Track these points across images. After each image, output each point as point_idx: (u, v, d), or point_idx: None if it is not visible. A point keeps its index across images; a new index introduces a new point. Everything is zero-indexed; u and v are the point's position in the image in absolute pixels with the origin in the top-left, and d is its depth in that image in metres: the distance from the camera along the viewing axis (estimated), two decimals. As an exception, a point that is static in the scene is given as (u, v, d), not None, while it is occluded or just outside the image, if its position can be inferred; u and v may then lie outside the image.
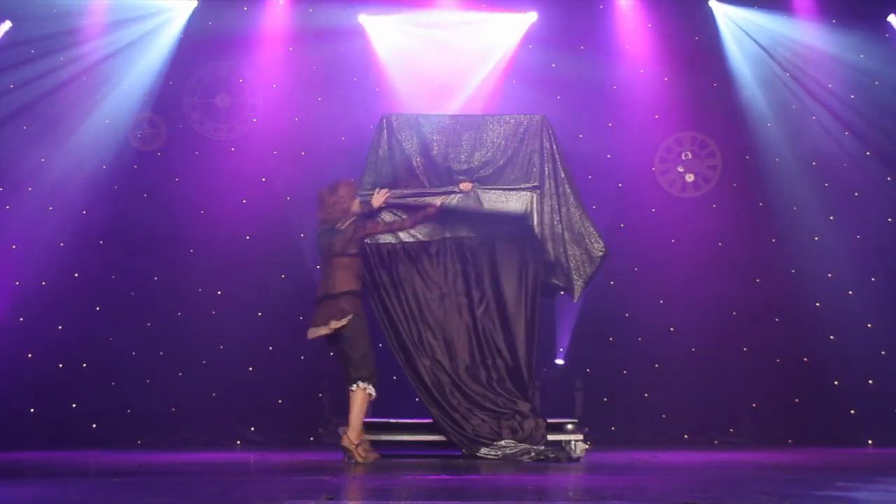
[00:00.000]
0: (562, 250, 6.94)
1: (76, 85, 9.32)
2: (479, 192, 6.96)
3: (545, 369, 8.67)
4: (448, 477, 5.43)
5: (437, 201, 6.82)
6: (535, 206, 6.91)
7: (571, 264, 6.95)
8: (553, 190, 7.01)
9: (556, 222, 6.95)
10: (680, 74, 9.52)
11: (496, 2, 9.70)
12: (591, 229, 6.99)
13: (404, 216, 6.94)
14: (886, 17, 9.32)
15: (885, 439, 8.56)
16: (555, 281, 7.05)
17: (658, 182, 9.51)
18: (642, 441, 8.75)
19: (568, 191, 7.03)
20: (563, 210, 6.99)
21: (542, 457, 6.61)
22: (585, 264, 6.98)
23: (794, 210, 9.27)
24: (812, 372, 9.01)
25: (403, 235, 7.05)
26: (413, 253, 7.07)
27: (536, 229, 6.88)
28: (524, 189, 6.94)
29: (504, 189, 6.96)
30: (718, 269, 9.18)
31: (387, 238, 7.02)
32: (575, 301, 7.11)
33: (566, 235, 6.97)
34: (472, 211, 6.93)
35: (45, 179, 9.12)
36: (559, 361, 8.92)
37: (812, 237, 9.19)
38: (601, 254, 6.97)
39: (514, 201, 6.93)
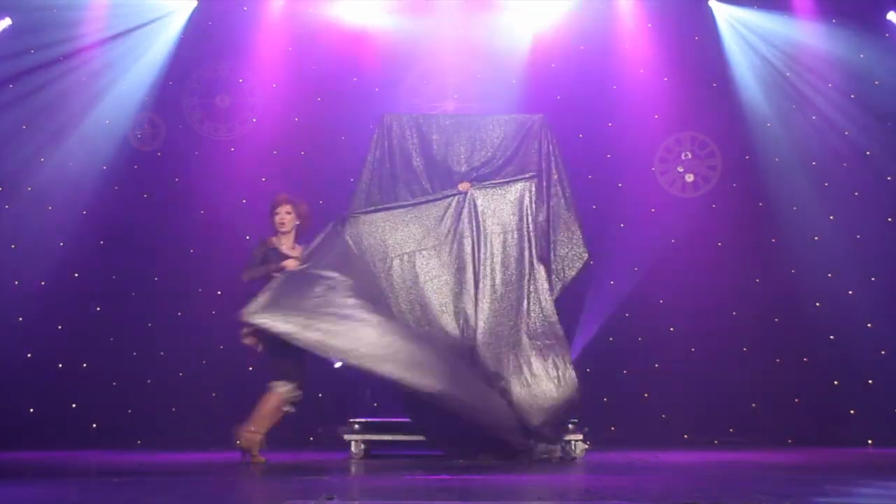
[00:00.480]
0: (545, 247, 6.94)
1: (76, 85, 9.32)
2: (477, 190, 6.95)
3: None
4: (448, 477, 5.43)
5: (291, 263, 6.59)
6: (532, 198, 6.88)
7: (554, 266, 6.97)
8: (547, 191, 7.02)
9: (543, 221, 6.95)
10: (680, 74, 9.52)
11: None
12: (579, 234, 7.00)
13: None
14: (886, 16, 9.32)
15: (885, 439, 8.54)
16: None
17: (658, 182, 9.51)
18: (642, 441, 8.74)
19: (560, 192, 7.04)
20: (554, 211, 7.00)
21: (539, 457, 6.57)
22: (567, 268, 7.00)
23: (794, 210, 9.27)
24: (812, 372, 9.00)
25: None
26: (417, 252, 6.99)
27: (528, 223, 6.87)
28: (522, 179, 6.93)
29: (501, 183, 6.95)
30: (718, 269, 9.18)
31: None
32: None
33: (552, 237, 6.99)
34: None
35: (45, 179, 9.12)
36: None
37: (812, 237, 9.18)
38: (583, 260, 7.00)
39: (511, 194, 6.92)
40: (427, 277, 6.84)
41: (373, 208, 6.94)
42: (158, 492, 4.82)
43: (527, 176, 6.96)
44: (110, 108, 9.35)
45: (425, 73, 9.72)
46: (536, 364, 6.63)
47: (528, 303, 6.80)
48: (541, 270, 6.84)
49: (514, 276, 6.85)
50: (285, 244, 6.76)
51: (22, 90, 9.21)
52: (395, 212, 6.92)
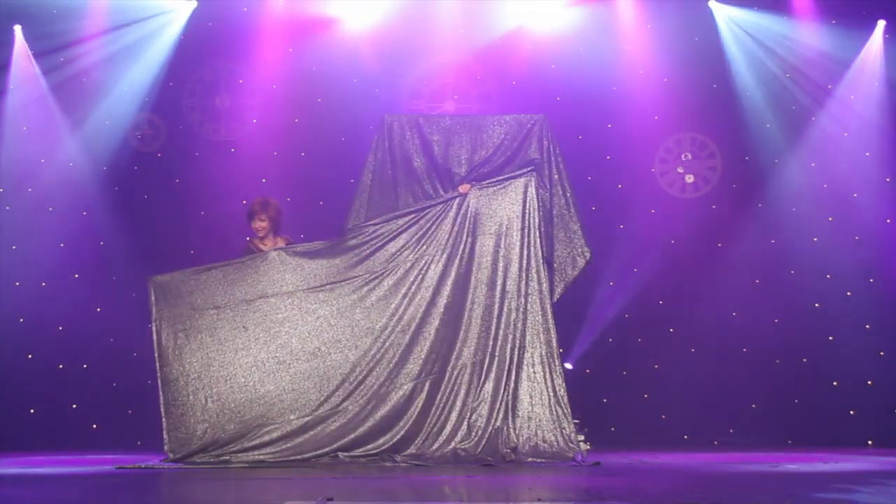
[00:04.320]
0: (549, 249, 6.93)
1: (76, 85, 9.33)
2: (478, 191, 6.92)
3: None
4: (448, 477, 5.43)
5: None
6: (534, 192, 6.86)
7: (555, 265, 6.96)
8: (549, 190, 7.02)
9: (545, 221, 6.94)
10: (680, 74, 9.53)
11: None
12: (580, 233, 6.98)
13: None
14: (885, 18, 9.34)
15: (884, 439, 8.55)
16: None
17: (658, 183, 9.52)
18: (642, 441, 8.74)
19: (561, 192, 7.03)
20: (556, 210, 6.99)
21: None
22: (568, 267, 6.98)
23: (793, 211, 9.28)
24: (811, 372, 9.02)
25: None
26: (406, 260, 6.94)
27: (533, 218, 6.85)
28: (521, 175, 6.90)
29: (501, 180, 6.92)
30: (718, 269, 9.19)
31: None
32: (553, 301, 7.01)
33: (557, 235, 6.98)
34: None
35: (45, 180, 9.13)
36: (567, 365, 8.83)
37: (811, 238, 9.19)
38: (585, 259, 6.97)
39: (511, 191, 6.89)
40: (428, 283, 6.79)
41: (371, 222, 6.90)
42: (158, 492, 4.82)
43: (526, 171, 6.94)
44: (110, 109, 9.36)
45: (425, 73, 9.73)
46: (522, 384, 6.60)
47: (527, 305, 6.74)
48: (542, 271, 6.81)
49: (514, 279, 6.79)
50: (264, 243, 7.18)
51: (22, 90, 9.22)
52: (395, 220, 6.88)
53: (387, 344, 6.65)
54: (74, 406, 8.87)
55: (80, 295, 9.06)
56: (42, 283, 8.99)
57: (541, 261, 6.82)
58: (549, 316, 6.72)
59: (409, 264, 6.82)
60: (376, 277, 6.78)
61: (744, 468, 6.14)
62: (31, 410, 8.75)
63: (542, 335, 6.68)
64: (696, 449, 8.34)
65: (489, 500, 4.46)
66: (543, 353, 6.65)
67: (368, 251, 6.83)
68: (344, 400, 6.53)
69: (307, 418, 6.48)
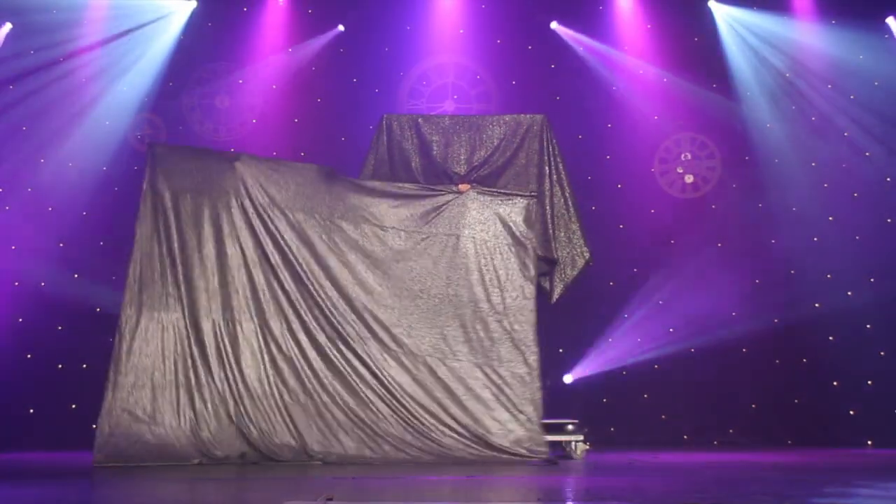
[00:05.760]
0: (552, 249, 6.91)
1: (76, 85, 9.34)
2: (477, 194, 6.84)
3: (548, 382, 8.58)
4: (448, 478, 5.43)
5: None
6: (535, 216, 6.78)
7: (556, 266, 6.94)
8: (550, 191, 7.00)
9: (549, 223, 6.92)
10: (680, 75, 9.53)
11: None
12: (580, 234, 6.96)
13: None
14: (886, 17, 9.33)
15: (885, 439, 8.55)
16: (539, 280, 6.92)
17: (658, 183, 9.52)
18: (642, 442, 8.75)
19: (561, 193, 7.01)
20: (555, 210, 6.98)
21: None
22: (568, 268, 6.97)
23: (793, 210, 9.27)
24: (812, 372, 9.01)
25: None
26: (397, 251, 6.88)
27: (534, 229, 6.79)
28: (524, 196, 6.77)
29: (502, 193, 6.82)
30: (718, 269, 9.18)
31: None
32: (552, 302, 6.99)
33: (557, 236, 6.96)
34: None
35: (45, 180, 9.14)
36: (567, 378, 8.82)
37: (812, 238, 9.19)
38: (585, 259, 6.95)
39: (511, 206, 6.77)
40: (395, 258, 6.70)
41: (368, 181, 6.89)
42: (158, 492, 4.82)
43: (528, 193, 6.81)
44: (110, 109, 9.38)
45: (425, 73, 9.74)
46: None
47: (512, 323, 6.58)
48: (529, 290, 6.62)
49: (501, 294, 6.63)
50: None
51: (22, 91, 9.23)
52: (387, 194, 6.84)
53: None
54: (74, 406, 8.86)
55: (80, 295, 9.06)
56: (42, 283, 8.99)
57: (532, 279, 6.66)
58: (532, 334, 6.57)
59: (394, 246, 6.70)
60: (360, 243, 6.69)
61: (744, 468, 6.14)
62: (31, 410, 8.74)
63: (525, 354, 6.55)
64: (696, 449, 8.34)
65: (489, 500, 4.46)
66: (523, 372, 6.54)
67: (354, 203, 6.76)
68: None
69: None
